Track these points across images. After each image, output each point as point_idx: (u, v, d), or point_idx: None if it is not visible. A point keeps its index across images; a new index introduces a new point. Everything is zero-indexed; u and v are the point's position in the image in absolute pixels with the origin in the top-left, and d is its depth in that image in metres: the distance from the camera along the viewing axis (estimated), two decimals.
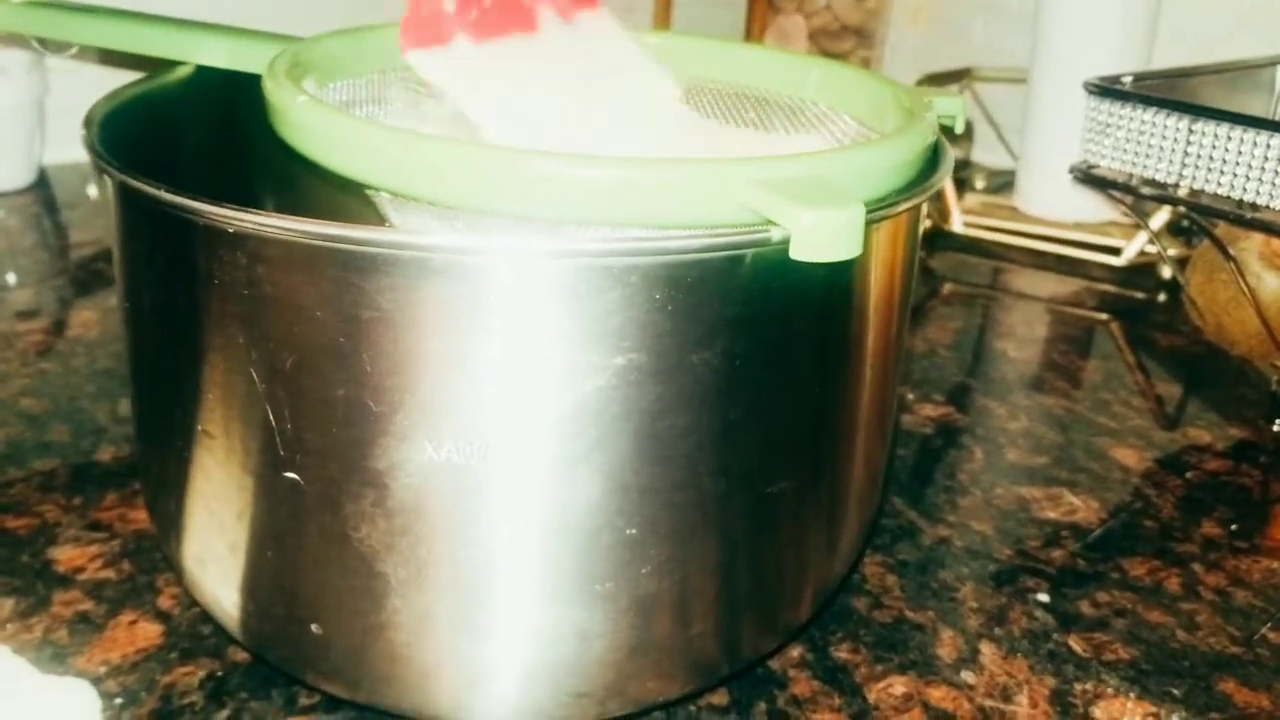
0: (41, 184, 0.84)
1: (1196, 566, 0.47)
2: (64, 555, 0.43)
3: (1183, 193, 0.54)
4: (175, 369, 0.31)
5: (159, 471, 0.35)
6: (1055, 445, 0.56)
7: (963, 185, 0.92)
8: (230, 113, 0.39)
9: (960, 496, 0.51)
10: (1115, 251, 0.80)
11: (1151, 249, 0.76)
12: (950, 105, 0.40)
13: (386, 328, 0.27)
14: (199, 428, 0.31)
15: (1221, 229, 0.56)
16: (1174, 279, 0.73)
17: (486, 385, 0.28)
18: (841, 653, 0.41)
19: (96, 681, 0.37)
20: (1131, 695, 0.39)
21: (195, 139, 0.42)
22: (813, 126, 0.42)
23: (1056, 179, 0.79)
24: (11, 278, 0.69)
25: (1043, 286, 0.78)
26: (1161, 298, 0.76)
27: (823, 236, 0.27)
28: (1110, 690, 0.39)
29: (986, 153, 0.96)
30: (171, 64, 0.41)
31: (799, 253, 0.27)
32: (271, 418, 0.29)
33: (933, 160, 0.35)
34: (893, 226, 0.33)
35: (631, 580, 0.30)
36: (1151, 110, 0.54)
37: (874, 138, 0.39)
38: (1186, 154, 0.53)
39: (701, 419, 0.29)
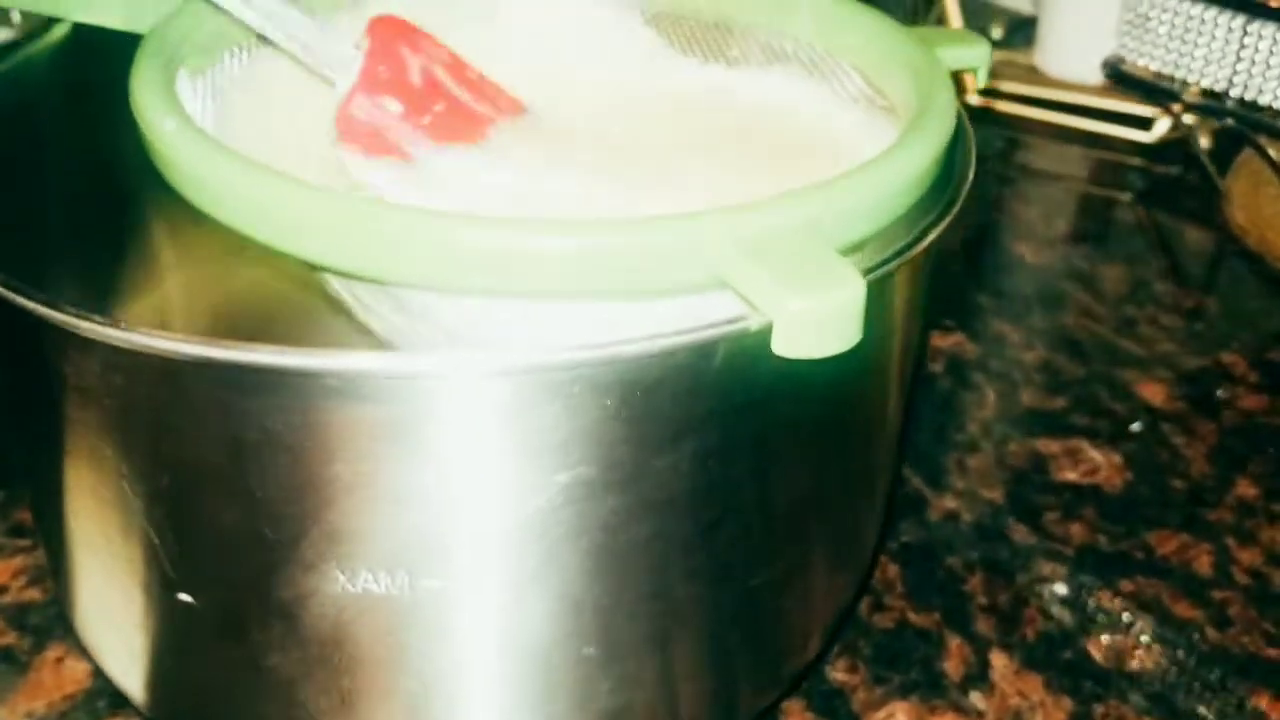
0: None
1: (1229, 540, 0.43)
2: None
3: (1231, 103, 0.47)
4: (44, 464, 0.26)
5: (55, 548, 0.30)
6: (1074, 380, 0.51)
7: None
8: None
9: (969, 455, 0.47)
10: (1146, 123, 0.72)
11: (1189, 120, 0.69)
12: (975, 55, 0.34)
13: (277, 452, 0.22)
14: (79, 529, 0.26)
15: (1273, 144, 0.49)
16: (1205, 163, 0.66)
17: (403, 512, 0.23)
18: (838, 673, 0.37)
19: None
20: (1154, 717, 0.36)
21: (65, 139, 0.34)
22: (807, 73, 0.35)
23: (1081, 36, 0.72)
24: None
25: (1065, 164, 0.71)
26: (1193, 179, 0.70)
27: (811, 328, 0.22)
28: (1132, 714, 0.36)
29: None
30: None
31: (783, 348, 0.22)
32: (154, 537, 0.24)
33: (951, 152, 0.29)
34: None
35: (592, 698, 0.26)
36: (1200, 5, 0.47)
37: (880, 103, 0.33)
38: (1239, 58, 0.46)
39: (669, 526, 0.25)
